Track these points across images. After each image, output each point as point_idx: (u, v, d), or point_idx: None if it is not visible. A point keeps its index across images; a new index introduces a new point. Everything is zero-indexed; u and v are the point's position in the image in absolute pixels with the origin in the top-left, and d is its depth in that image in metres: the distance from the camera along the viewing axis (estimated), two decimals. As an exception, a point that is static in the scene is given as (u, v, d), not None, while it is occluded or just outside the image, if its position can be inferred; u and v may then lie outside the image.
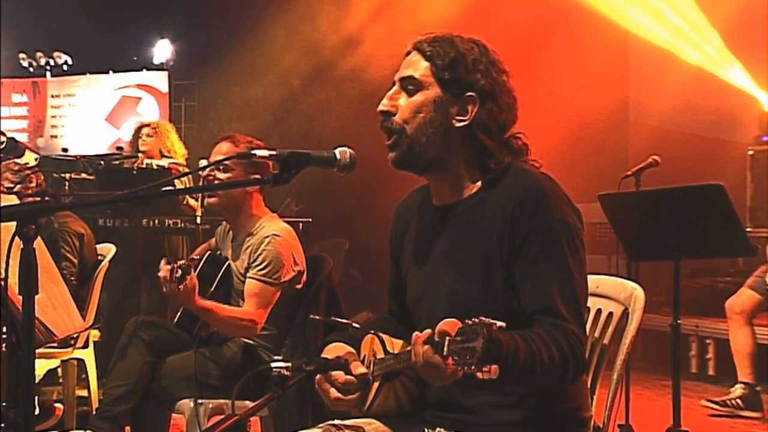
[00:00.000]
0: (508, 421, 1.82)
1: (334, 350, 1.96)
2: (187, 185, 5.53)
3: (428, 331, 1.60)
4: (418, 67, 1.86)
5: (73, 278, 4.04)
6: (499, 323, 1.45)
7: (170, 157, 5.88)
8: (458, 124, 1.84)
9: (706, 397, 4.99)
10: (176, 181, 5.09)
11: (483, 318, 1.46)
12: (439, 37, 1.88)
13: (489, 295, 1.81)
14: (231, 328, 3.11)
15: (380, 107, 1.88)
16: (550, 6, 7.40)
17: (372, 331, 1.96)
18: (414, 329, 1.96)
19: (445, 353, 1.51)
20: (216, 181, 3.23)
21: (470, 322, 1.47)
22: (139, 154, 5.87)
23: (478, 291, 1.82)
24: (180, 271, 2.85)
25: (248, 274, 3.13)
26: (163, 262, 2.92)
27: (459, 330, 1.49)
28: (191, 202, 5.53)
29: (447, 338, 1.51)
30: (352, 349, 1.97)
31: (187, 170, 5.74)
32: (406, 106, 1.86)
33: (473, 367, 1.43)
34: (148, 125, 6.04)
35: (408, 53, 1.90)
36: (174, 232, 5.46)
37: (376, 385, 1.88)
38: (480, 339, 1.43)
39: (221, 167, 3.17)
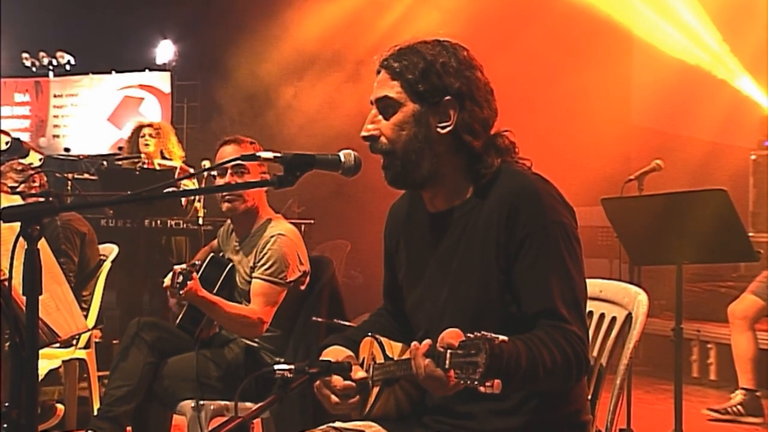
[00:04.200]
0: (508, 427, 1.81)
1: (333, 354, 1.96)
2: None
3: (428, 342, 1.59)
4: (390, 86, 1.84)
5: (71, 274, 4.03)
6: (502, 337, 1.45)
7: (170, 159, 5.87)
8: (443, 131, 1.83)
9: (707, 401, 4.99)
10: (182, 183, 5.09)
11: (485, 332, 1.45)
12: (404, 49, 1.86)
13: (487, 300, 1.81)
14: (237, 325, 3.10)
15: (363, 133, 1.86)
16: (553, 9, 7.40)
17: (371, 334, 1.96)
18: (412, 333, 1.97)
19: (447, 366, 1.51)
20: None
21: (473, 336, 1.46)
22: (142, 155, 5.85)
23: (475, 297, 1.82)
24: (181, 277, 2.87)
25: (254, 274, 3.13)
26: (168, 277, 2.93)
27: (461, 343, 1.48)
28: (196, 204, 5.52)
29: (449, 351, 1.50)
30: (351, 353, 1.97)
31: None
32: (388, 126, 1.84)
33: (476, 382, 1.43)
34: (149, 125, 6.01)
35: (378, 72, 1.89)
36: (176, 232, 5.46)
37: (376, 389, 1.88)
38: (483, 354, 1.42)
39: (239, 171, 3.16)
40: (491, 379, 1.43)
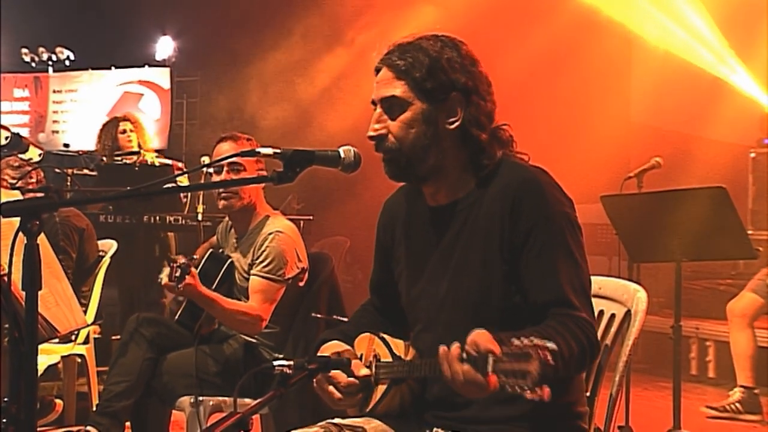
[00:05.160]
0: (506, 416, 1.81)
1: (331, 349, 1.96)
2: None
3: (458, 345, 1.55)
4: (395, 85, 1.83)
5: (69, 271, 4.02)
6: (551, 345, 1.42)
7: (147, 151, 5.86)
8: (451, 127, 1.84)
9: (706, 399, 5.00)
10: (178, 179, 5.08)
11: (534, 339, 1.42)
12: (406, 46, 1.85)
13: (488, 292, 1.81)
14: (235, 322, 3.11)
15: (370, 133, 1.85)
16: (552, 6, 7.40)
17: (373, 332, 1.96)
18: (401, 329, 1.97)
19: (489, 371, 1.47)
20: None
21: (520, 343, 1.43)
22: (142, 151, 5.83)
23: (477, 289, 1.82)
24: (179, 270, 2.86)
25: (252, 271, 3.13)
26: (164, 272, 2.92)
27: (506, 350, 1.44)
28: (184, 201, 5.50)
29: (491, 357, 1.46)
30: (350, 348, 1.97)
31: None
32: (396, 125, 1.83)
33: (526, 389, 1.40)
34: (125, 119, 5.94)
35: (378, 69, 1.87)
36: (175, 228, 5.46)
37: (382, 387, 1.88)
38: (536, 362, 1.39)
39: (235, 168, 3.16)
40: (541, 386, 1.40)
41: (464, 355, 1.53)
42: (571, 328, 1.68)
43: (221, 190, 3.22)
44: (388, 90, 1.84)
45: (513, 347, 1.43)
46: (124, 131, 5.81)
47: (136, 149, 5.74)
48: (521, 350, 1.42)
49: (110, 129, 5.89)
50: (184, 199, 5.45)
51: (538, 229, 1.77)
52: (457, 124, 1.83)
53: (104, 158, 5.81)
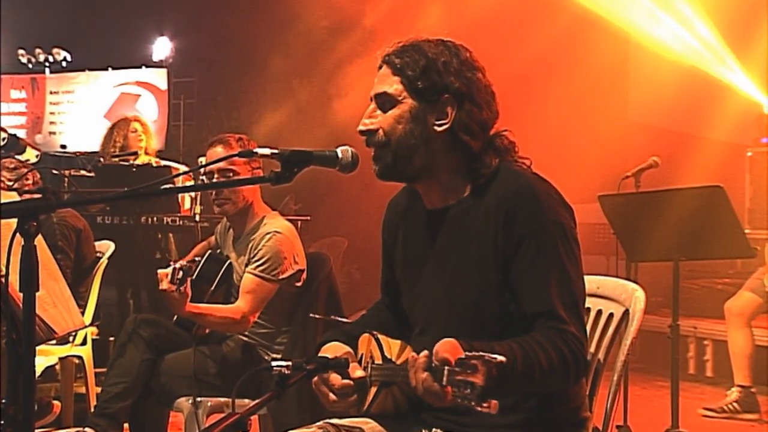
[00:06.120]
0: (508, 423, 1.80)
1: (332, 350, 1.95)
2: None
3: (425, 354, 1.56)
4: (390, 81, 1.85)
5: (68, 271, 4.01)
6: (500, 357, 1.42)
7: (149, 155, 5.87)
8: (439, 129, 1.83)
9: (703, 398, 5.01)
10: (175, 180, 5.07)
11: (484, 353, 1.43)
12: (407, 46, 1.87)
13: (484, 298, 1.81)
14: (223, 327, 3.13)
15: (360, 127, 1.87)
16: (550, 7, 7.40)
17: (369, 332, 1.96)
18: (410, 328, 1.96)
19: (444, 383, 1.48)
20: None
21: (471, 354, 1.43)
22: (139, 151, 5.83)
23: (473, 295, 1.82)
24: (181, 273, 2.82)
25: (246, 269, 3.13)
26: (165, 277, 2.90)
27: (459, 361, 1.45)
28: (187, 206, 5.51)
29: (446, 368, 1.48)
30: (349, 349, 1.97)
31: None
32: (386, 119, 1.85)
33: (472, 402, 1.41)
34: (136, 120, 5.98)
35: (379, 67, 1.89)
36: (173, 229, 5.46)
37: (374, 388, 1.88)
38: (480, 376, 1.40)
39: (226, 176, 3.14)
40: (488, 400, 1.41)
41: (426, 363, 1.54)
42: (555, 342, 1.68)
43: (215, 195, 3.22)
44: (382, 86, 1.86)
45: (464, 359, 1.43)
46: (136, 131, 5.86)
47: (143, 150, 5.77)
48: (469, 362, 1.42)
49: (122, 128, 5.95)
50: (190, 202, 5.44)
51: (530, 238, 1.76)
52: (445, 126, 1.83)
53: (102, 159, 5.82)
